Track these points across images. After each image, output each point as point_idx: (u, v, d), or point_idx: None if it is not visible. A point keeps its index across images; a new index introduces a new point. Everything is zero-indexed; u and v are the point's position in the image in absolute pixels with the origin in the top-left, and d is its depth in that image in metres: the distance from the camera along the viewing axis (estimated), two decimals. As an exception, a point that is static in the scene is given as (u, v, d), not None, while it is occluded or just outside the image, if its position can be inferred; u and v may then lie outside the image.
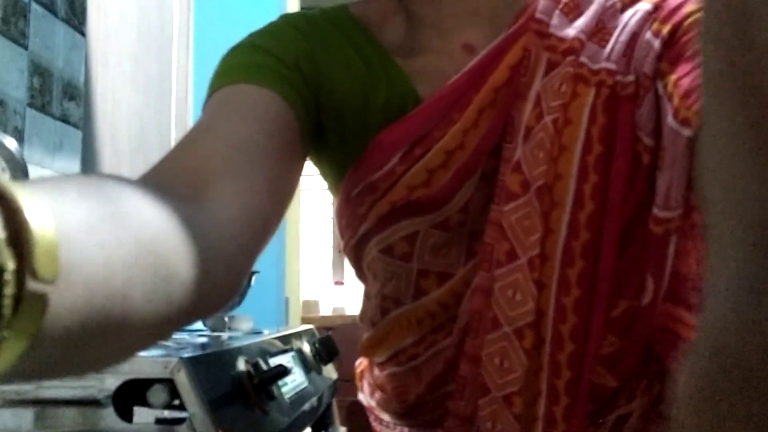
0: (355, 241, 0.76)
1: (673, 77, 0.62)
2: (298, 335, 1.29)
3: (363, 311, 0.80)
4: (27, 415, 0.71)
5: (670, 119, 0.61)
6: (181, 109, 2.22)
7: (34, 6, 1.31)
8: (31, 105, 1.30)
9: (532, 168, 0.66)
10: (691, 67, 0.60)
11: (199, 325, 1.31)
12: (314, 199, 5.07)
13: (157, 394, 0.70)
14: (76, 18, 1.46)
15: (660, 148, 0.64)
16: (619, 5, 0.69)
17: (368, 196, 0.71)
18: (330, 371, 1.40)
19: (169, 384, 0.70)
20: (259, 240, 0.59)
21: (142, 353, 0.78)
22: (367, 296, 0.80)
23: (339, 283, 4.94)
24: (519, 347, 0.67)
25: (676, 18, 0.64)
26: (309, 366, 1.23)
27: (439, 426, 0.74)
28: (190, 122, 2.29)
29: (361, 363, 0.87)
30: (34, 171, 1.29)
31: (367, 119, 0.71)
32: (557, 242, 0.65)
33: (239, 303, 1.35)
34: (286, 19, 0.78)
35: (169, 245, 0.42)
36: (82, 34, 1.49)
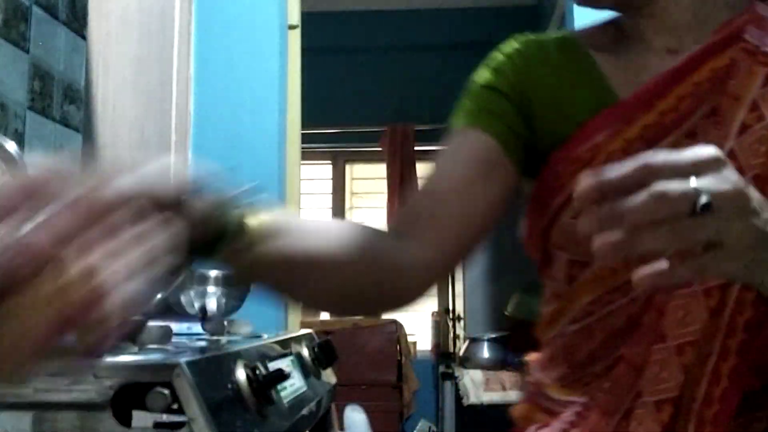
0: (546, 221, 0.84)
1: None
2: (298, 339, 1.29)
3: (545, 291, 0.89)
4: (26, 418, 0.71)
5: None
6: (182, 113, 2.22)
7: (35, 9, 1.31)
8: (31, 108, 1.30)
9: (748, 158, 0.73)
10: None
11: (198, 329, 1.31)
12: (315, 203, 5.07)
13: (156, 398, 0.70)
14: (77, 21, 1.46)
15: None
16: None
17: (569, 167, 0.80)
18: (329, 376, 1.40)
19: (168, 388, 0.70)
20: (453, 263, 0.83)
21: (141, 357, 0.78)
22: (551, 277, 0.87)
23: (338, 287, 4.94)
24: (704, 305, 0.72)
25: None
26: (308, 370, 1.23)
27: (604, 377, 0.78)
28: (190, 127, 2.29)
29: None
30: (34, 174, 1.29)
31: (576, 118, 0.82)
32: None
33: (238, 307, 1.35)
34: (512, 46, 0.93)
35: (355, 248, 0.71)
36: (83, 37, 1.49)
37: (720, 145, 0.67)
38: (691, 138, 0.77)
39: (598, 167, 0.59)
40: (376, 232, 0.78)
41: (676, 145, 0.71)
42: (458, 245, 0.84)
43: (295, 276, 0.70)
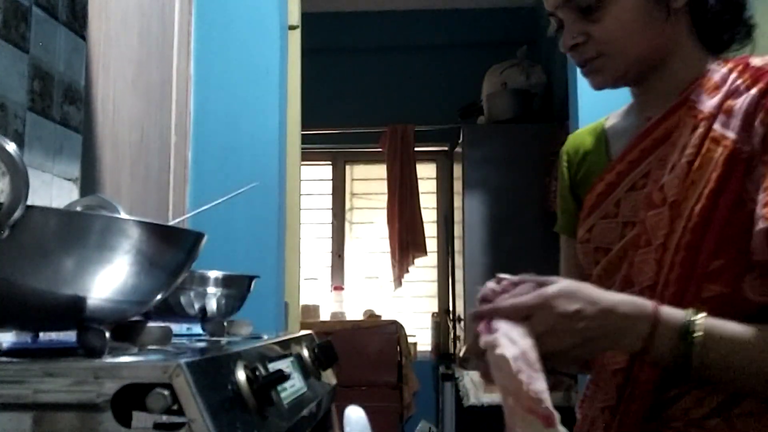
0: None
1: None
2: (298, 340, 1.29)
3: None
4: (25, 419, 0.70)
5: (759, 208, 0.92)
6: (182, 114, 2.22)
7: (35, 10, 1.31)
8: (31, 109, 1.30)
9: (669, 189, 1.00)
10: None
11: (198, 329, 1.31)
12: (315, 204, 5.07)
13: (156, 399, 0.69)
14: (77, 22, 1.46)
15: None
16: (743, 87, 1.00)
17: (584, 210, 1.17)
18: (329, 377, 1.40)
19: (168, 389, 0.70)
20: None
21: (141, 358, 0.78)
22: None
23: (338, 288, 4.94)
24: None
25: None
26: (308, 371, 1.22)
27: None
28: (190, 127, 2.29)
29: None
30: (34, 175, 1.29)
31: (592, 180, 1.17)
32: (674, 239, 0.99)
33: (239, 308, 1.34)
34: (566, 145, 1.29)
35: None
36: (83, 38, 1.49)
37: (658, 182, 1.03)
38: (645, 177, 1.06)
39: (590, 202, 1.13)
40: None
41: (635, 183, 1.07)
42: None
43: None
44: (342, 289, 4.94)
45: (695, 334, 0.88)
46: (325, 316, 4.73)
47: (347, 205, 5.23)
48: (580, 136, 1.26)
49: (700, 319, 0.89)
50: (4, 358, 0.77)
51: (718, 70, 1.05)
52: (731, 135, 0.97)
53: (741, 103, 0.99)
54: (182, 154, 2.22)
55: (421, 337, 4.90)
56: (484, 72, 4.35)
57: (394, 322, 4.44)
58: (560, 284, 0.89)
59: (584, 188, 1.18)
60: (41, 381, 0.71)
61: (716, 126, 0.99)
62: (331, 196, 5.20)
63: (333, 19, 4.87)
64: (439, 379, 4.36)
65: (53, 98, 1.37)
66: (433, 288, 5.10)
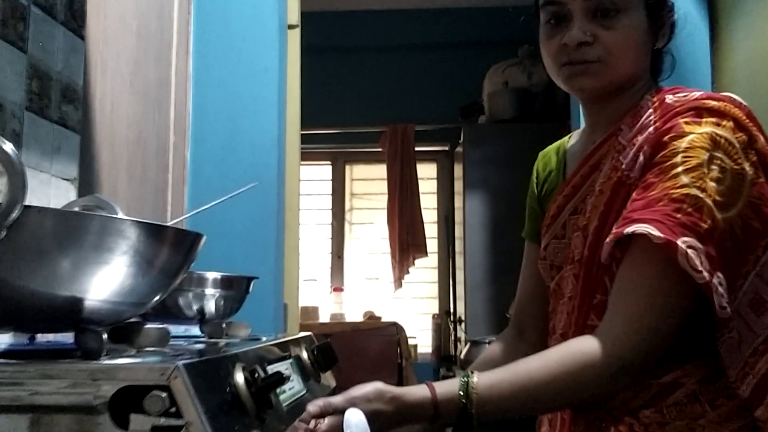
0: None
1: (632, 197, 1.05)
2: (297, 342, 1.29)
3: None
4: (22, 421, 0.70)
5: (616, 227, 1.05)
6: (180, 113, 2.22)
7: (34, 9, 1.31)
8: (29, 108, 1.29)
9: (588, 212, 1.14)
10: (636, 198, 1.04)
11: (196, 331, 1.30)
12: (314, 205, 5.06)
13: (154, 401, 0.69)
14: (75, 21, 1.45)
15: None
16: (651, 123, 1.10)
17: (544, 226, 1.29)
18: (329, 378, 1.40)
19: (166, 391, 0.69)
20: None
21: (138, 360, 0.77)
22: None
23: (338, 289, 4.94)
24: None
25: (654, 146, 1.06)
26: (307, 373, 1.22)
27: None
28: (189, 127, 2.28)
29: None
30: (32, 175, 1.28)
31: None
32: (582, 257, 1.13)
33: (237, 309, 1.34)
34: (537, 161, 1.39)
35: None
36: (81, 37, 1.48)
37: (586, 207, 1.15)
38: (583, 202, 1.16)
39: (546, 221, 1.26)
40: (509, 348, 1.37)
41: (576, 207, 1.18)
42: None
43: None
44: (342, 290, 4.94)
45: (471, 397, 1.01)
46: (324, 317, 4.72)
47: (347, 206, 5.23)
48: (548, 153, 1.36)
49: (473, 382, 1.02)
50: (1, 360, 0.76)
51: (646, 102, 1.15)
52: (624, 164, 1.09)
53: (641, 138, 1.09)
54: (181, 154, 2.21)
55: (422, 339, 4.89)
56: (485, 71, 4.35)
57: (395, 324, 4.43)
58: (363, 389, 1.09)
59: (545, 205, 1.29)
60: (38, 383, 0.70)
61: (620, 157, 1.11)
62: (330, 197, 5.20)
63: (332, 18, 4.87)
64: (439, 380, 4.36)
65: (51, 98, 1.36)
66: (434, 289, 5.09)
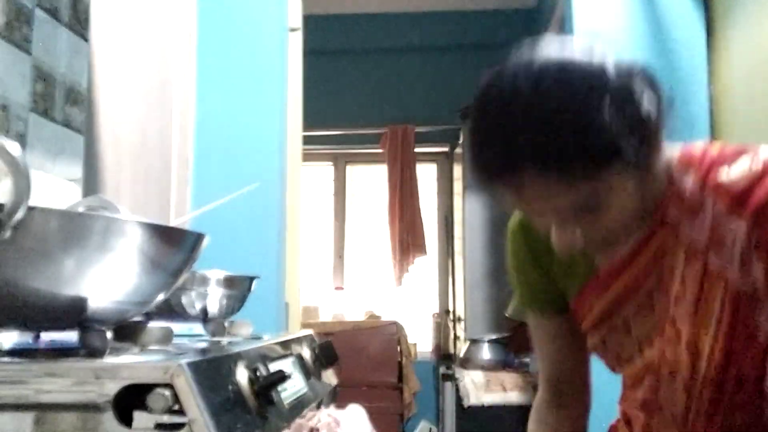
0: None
1: None
2: (298, 341, 1.29)
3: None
4: (26, 419, 0.71)
5: None
6: (183, 115, 2.22)
7: (38, 11, 1.31)
8: (33, 110, 1.30)
9: (682, 325, 0.99)
10: None
11: (199, 330, 1.31)
12: (316, 205, 5.07)
13: (157, 399, 0.70)
14: (79, 24, 1.46)
15: None
16: (724, 212, 0.95)
17: (579, 312, 1.14)
18: (330, 377, 1.40)
19: (169, 389, 0.70)
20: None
21: (142, 358, 0.78)
22: None
23: (339, 288, 4.94)
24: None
25: None
26: (309, 371, 1.23)
27: None
28: (192, 128, 2.29)
29: None
30: (36, 176, 1.29)
31: (575, 278, 1.14)
32: (699, 375, 1.01)
33: (239, 308, 1.35)
34: (516, 228, 1.20)
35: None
36: (86, 39, 1.49)
37: (667, 311, 1.00)
38: (650, 300, 1.03)
39: (594, 317, 1.09)
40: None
41: (640, 305, 1.04)
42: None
43: None
44: (342, 289, 4.94)
45: None
46: (325, 316, 4.72)
47: (348, 206, 5.23)
48: (527, 227, 1.15)
49: None
50: (5, 359, 0.77)
51: (684, 180, 1.00)
52: (730, 272, 0.95)
53: (732, 236, 0.95)
54: (184, 154, 2.22)
55: (422, 338, 4.89)
56: (484, 73, 4.35)
57: (395, 323, 4.43)
58: None
59: (564, 279, 1.14)
60: (42, 381, 0.71)
61: (712, 260, 0.97)
62: (332, 197, 5.20)
63: (334, 21, 4.87)
64: (439, 379, 4.36)
65: (55, 99, 1.37)
66: (434, 288, 5.09)
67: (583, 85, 0.88)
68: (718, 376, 0.98)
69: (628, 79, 0.91)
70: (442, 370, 4.28)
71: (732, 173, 0.96)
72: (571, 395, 1.24)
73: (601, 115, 0.87)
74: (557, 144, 0.87)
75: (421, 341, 4.86)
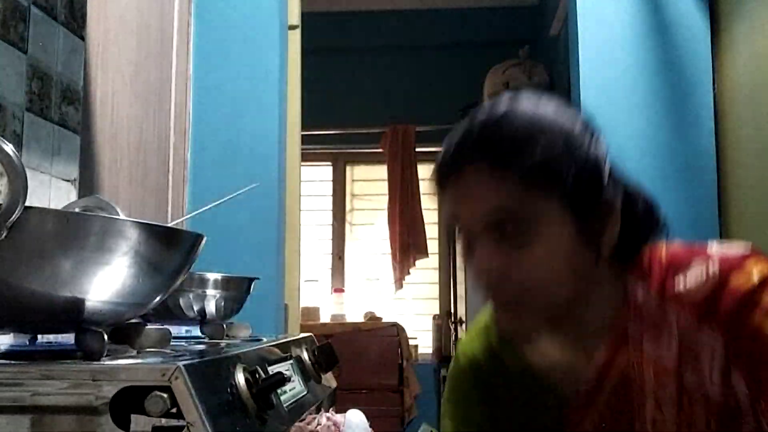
0: None
1: None
2: (298, 343, 1.29)
3: None
4: (23, 421, 0.70)
5: None
6: (181, 114, 2.22)
7: (34, 10, 1.31)
8: (29, 109, 1.29)
9: None
10: None
11: (197, 332, 1.30)
12: (315, 205, 5.06)
13: (155, 401, 0.69)
14: (75, 22, 1.45)
15: None
16: (690, 322, 0.90)
17: None
18: (329, 379, 1.39)
19: (167, 392, 0.69)
20: None
21: (139, 360, 0.77)
22: None
23: (339, 290, 4.94)
24: None
25: (753, 362, 0.87)
26: (308, 374, 1.22)
27: None
28: (189, 128, 2.28)
29: None
30: (32, 176, 1.28)
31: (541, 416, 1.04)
32: None
33: (238, 310, 1.34)
34: (463, 371, 1.09)
35: None
36: (82, 38, 1.48)
37: None
38: (629, 425, 0.94)
39: None
40: None
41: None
42: None
43: None
44: (342, 291, 4.94)
45: None
46: (325, 318, 4.72)
47: (348, 207, 5.23)
48: (473, 365, 1.07)
49: None
50: (2, 361, 0.76)
51: (640, 293, 0.95)
52: (710, 388, 0.90)
53: (706, 350, 0.90)
54: (181, 154, 2.21)
55: (423, 340, 4.89)
56: (485, 72, 4.34)
57: (395, 325, 4.43)
58: None
59: (524, 423, 1.03)
60: (39, 384, 0.70)
61: (687, 378, 0.90)
62: (331, 198, 5.20)
63: (333, 19, 4.87)
64: (440, 381, 4.36)
65: (51, 99, 1.36)
66: (435, 290, 5.09)
67: (545, 118, 0.90)
68: None
69: (596, 145, 0.90)
70: (443, 372, 4.28)
71: (689, 281, 0.92)
72: None
73: (554, 137, 0.87)
74: (503, 142, 0.87)
75: (422, 343, 4.86)
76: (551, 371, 1.00)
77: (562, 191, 0.86)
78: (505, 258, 0.87)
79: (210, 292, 1.23)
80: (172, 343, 0.99)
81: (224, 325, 1.29)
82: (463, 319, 4.22)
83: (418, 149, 4.93)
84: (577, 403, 0.98)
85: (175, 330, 1.22)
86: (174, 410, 0.69)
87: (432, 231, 5.03)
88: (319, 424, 0.96)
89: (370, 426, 1.17)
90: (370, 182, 5.23)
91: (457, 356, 1.09)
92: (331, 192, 5.21)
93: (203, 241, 0.89)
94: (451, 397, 1.08)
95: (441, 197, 0.94)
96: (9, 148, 0.69)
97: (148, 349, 0.93)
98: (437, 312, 4.98)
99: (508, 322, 0.92)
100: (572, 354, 0.98)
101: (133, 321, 0.92)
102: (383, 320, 4.61)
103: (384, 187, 4.99)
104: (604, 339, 0.95)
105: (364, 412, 1.22)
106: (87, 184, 1.54)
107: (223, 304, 1.26)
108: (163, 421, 0.70)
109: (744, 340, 0.87)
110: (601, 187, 0.89)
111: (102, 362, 0.74)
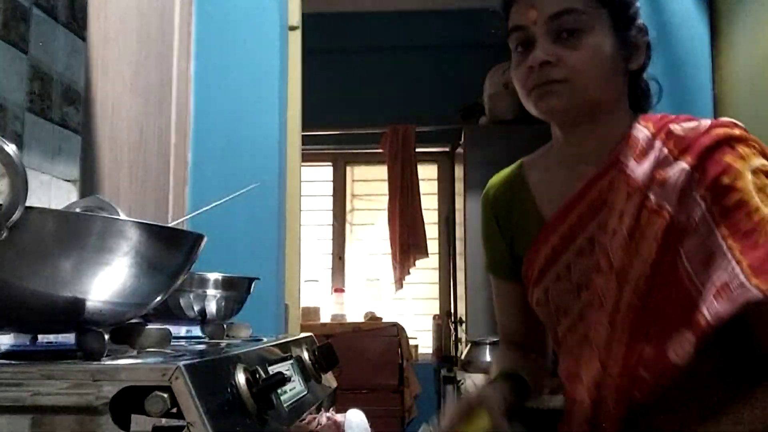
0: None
1: (736, 245, 0.98)
2: (298, 343, 1.29)
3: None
4: (24, 422, 0.70)
5: (742, 277, 0.96)
6: (181, 115, 2.22)
7: (35, 10, 1.31)
8: (30, 110, 1.29)
9: (615, 256, 1.08)
10: (750, 246, 0.97)
11: (197, 332, 1.30)
12: (315, 206, 5.06)
13: (155, 401, 0.69)
14: (76, 23, 1.45)
15: (707, 280, 1.00)
16: (671, 157, 1.06)
17: (528, 272, 1.23)
18: (329, 379, 1.39)
19: (167, 392, 0.69)
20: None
21: (140, 360, 0.77)
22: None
23: (339, 290, 4.93)
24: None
25: (717, 191, 1.01)
26: (308, 374, 1.22)
27: None
28: (190, 128, 2.28)
29: None
30: (33, 176, 1.28)
31: (527, 240, 1.23)
32: (624, 303, 1.07)
33: (238, 310, 1.34)
34: (485, 196, 1.34)
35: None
36: (83, 38, 1.48)
37: (604, 247, 1.09)
38: (591, 243, 1.12)
39: (540, 264, 1.18)
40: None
41: (582, 248, 1.13)
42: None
43: None
44: (342, 291, 4.94)
45: None
46: (325, 318, 4.72)
47: (348, 207, 5.23)
48: (499, 187, 1.31)
49: None
50: (2, 361, 0.76)
51: (641, 131, 1.13)
52: (668, 208, 1.05)
53: (674, 176, 1.05)
54: (182, 155, 2.21)
55: (423, 340, 4.89)
56: (485, 72, 4.34)
57: (395, 325, 4.43)
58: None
59: (520, 242, 1.25)
60: (40, 384, 0.70)
61: (651, 197, 1.06)
62: (331, 198, 5.20)
63: (334, 20, 4.87)
64: (440, 381, 4.36)
65: (52, 99, 1.36)
66: (435, 290, 5.09)
67: None
68: (639, 303, 1.05)
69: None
70: (443, 372, 4.28)
71: (682, 126, 1.09)
72: (530, 350, 1.31)
73: None
74: None
75: (422, 343, 4.86)
76: (545, 196, 1.21)
77: (611, 7, 1.10)
78: (560, 51, 1.08)
79: (210, 292, 1.24)
80: (172, 343, 1.00)
81: (224, 325, 1.29)
82: (463, 319, 4.22)
83: (418, 149, 4.93)
84: (555, 216, 1.16)
85: (176, 330, 1.23)
86: (174, 410, 0.69)
87: (432, 231, 5.03)
88: (319, 424, 0.96)
89: (371, 426, 1.17)
90: (370, 182, 5.23)
91: (486, 188, 1.34)
92: (331, 192, 5.21)
93: (204, 241, 0.89)
94: (482, 219, 1.33)
95: (509, 8, 1.21)
96: (10, 148, 0.70)
97: (148, 349, 0.93)
98: (437, 312, 4.98)
99: (549, 102, 1.10)
100: (567, 180, 1.17)
101: (134, 321, 0.92)
102: (383, 320, 4.61)
103: (384, 188, 4.99)
104: (597, 166, 1.13)
105: (364, 412, 1.22)
106: (88, 184, 1.54)
107: (223, 304, 1.26)
108: (164, 421, 0.70)
109: (712, 169, 1.02)
110: (636, 18, 1.15)
111: (102, 362, 0.74)
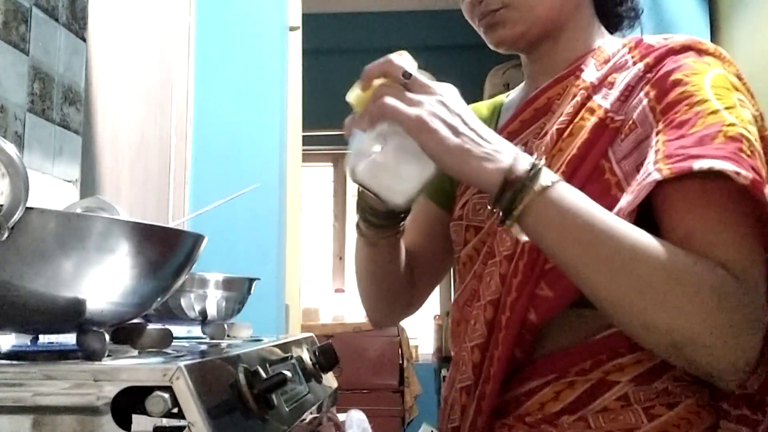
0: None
1: (663, 137, 0.86)
2: (298, 343, 1.29)
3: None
4: (25, 421, 0.70)
5: (651, 167, 0.84)
6: (182, 115, 2.22)
7: (35, 11, 1.31)
8: (31, 110, 1.29)
9: (538, 154, 0.88)
10: (676, 136, 0.85)
11: (198, 332, 1.30)
12: (316, 206, 5.06)
13: (156, 402, 0.69)
14: (77, 23, 1.45)
15: (631, 177, 0.89)
16: (630, 62, 0.98)
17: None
18: (330, 380, 1.39)
19: (168, 392, 0.69)
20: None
21: (140, 361, 0.77)
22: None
23: (339, 290, 4.93)
24: (497, 272, 0.99)
25: (664, 85, 0.91)
26: (309, 374, 1.22)
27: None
28: (190, 129, 2.28)
29: None
30: (34, 177, 1.28)
31: None
32: None
33: (239, 310, 1.34)
34: None
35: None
36: (83, 39, 1.48)
37: (530, 151, 0.96)
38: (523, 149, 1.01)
39: None
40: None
41: (527, 143, 1.03)
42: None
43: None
44: (343, 291, 4.94)
45: (543, 173, 0.80)
46: (326, 318, 4.72)
47: (348, 207, 5.23)
48: (478, 108, 1.24)
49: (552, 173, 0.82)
50: (3, 361, 0.76)
51: (611, 44, 1.05)
52: (606, 106, 0.95)
53: (624, 75, 0.97)
54: (182, 155, 2.22)
55: (423, 340, 4.89)
56: (485, 73, 4.35)
57: (396, 325, 4.43)
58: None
59: None
60: (40, 384, 0.70)
61: (596, 97, 0.97)
62: (332, 198, 5.20)
63: (334, 20, 4.87)
64: (441, 381, 4.35)
65: (53, 100, 1.36)
66: (435, 290, 5.09)
67: None
68: None
69: None
70: (443, 372, 4.28)
71: (657, 38, 1.00)
72: (417, 271, 1.25)
73: None
74: None
75: (423, 343, 4.86)
76: (508, 114, 1.14)
77: None
78: None
79: (211, 292, 1.24)
80: (173, 344, 1.00)
81: (225, 326, 1.29)
82: (464, 319, 4.22)
83: (418, 150, 4.93)
84: (502, 126, 1.10)
85: (177, 330, 1.23)
86: (175, 410, 0.69)
87: (432, 231, 5.02)
88: (320, 424, 0.96)
89: (371, 426, 1.17)
90: (370, 183, 5.23)
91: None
92: (331, 192, 5.21)
93: (204, 242, 0.89)
94: None
95: None
96: (11, 148, 0.70)
97: (149, 350, 0.93)
98: (437, 312, 4.98)
99: (495, 35, 1.06)
100: (526, 95, 1.11)
101: (135, 321, 0.92)
102: (384, 321, 4.61)
103: (384, 188, 4.99)
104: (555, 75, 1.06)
105: (364, 412, 1.22)
106: (88, 184, 1.54)
107: (224, 304, 1.26)
108: (164, 421, 0.70)
109: (666, 67, 0.93)
110: None
111: (103, 362, 0.74)
